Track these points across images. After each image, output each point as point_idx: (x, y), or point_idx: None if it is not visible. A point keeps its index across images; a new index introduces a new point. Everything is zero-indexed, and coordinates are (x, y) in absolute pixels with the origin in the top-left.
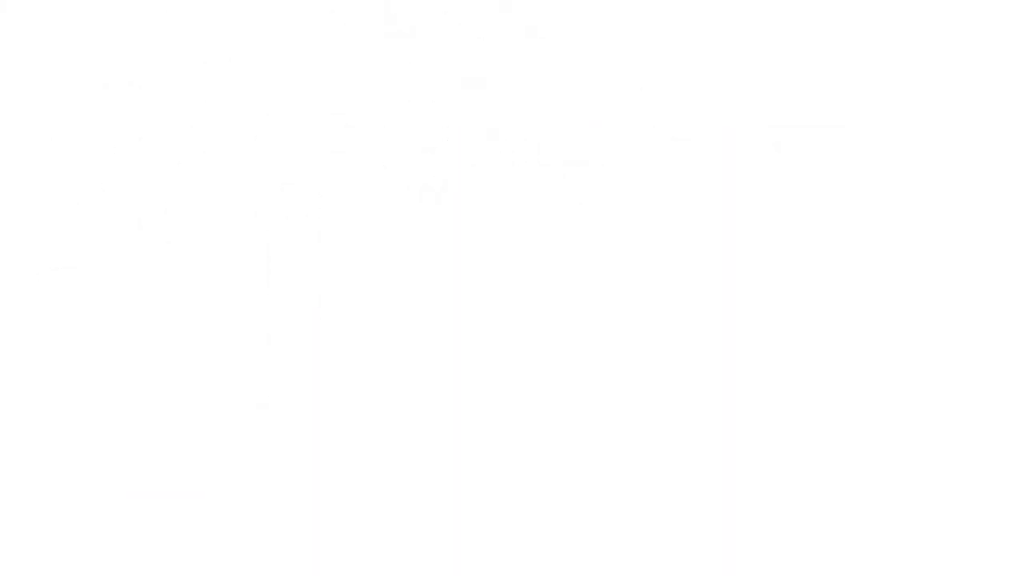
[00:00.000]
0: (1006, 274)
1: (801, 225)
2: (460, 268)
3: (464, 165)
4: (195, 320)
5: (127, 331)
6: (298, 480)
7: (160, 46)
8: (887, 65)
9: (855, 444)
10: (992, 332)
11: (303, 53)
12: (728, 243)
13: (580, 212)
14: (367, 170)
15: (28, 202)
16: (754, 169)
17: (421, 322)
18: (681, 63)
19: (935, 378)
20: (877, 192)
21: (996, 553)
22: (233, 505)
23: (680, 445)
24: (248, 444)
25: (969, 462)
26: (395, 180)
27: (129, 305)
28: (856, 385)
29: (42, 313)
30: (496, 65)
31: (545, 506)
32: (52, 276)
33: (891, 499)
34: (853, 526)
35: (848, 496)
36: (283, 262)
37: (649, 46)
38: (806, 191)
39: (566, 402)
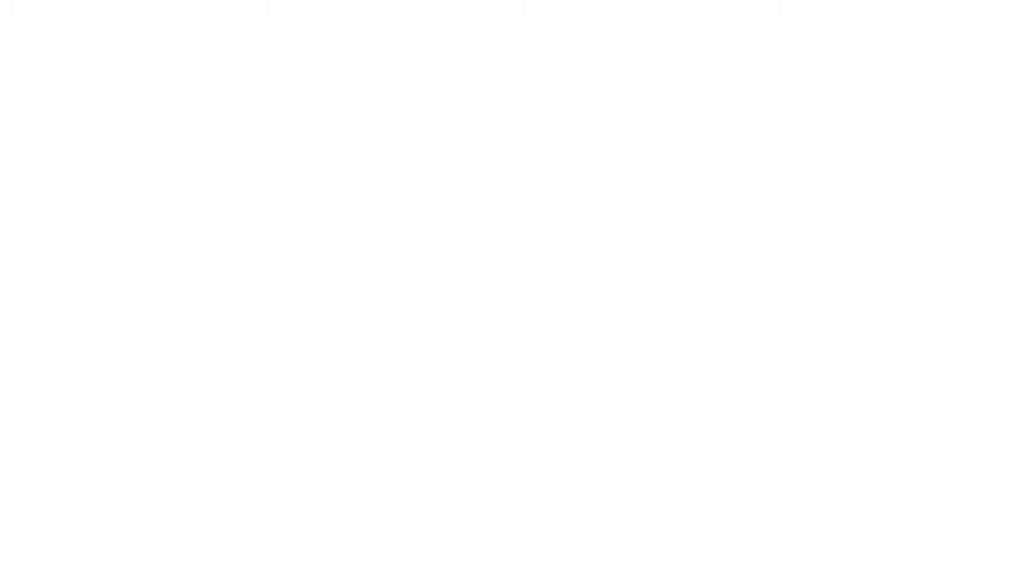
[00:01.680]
0: (1007, 274)
1: (800, 224)
2: (460, 267)
3: (464, 165)
4: (195, 320)
5: (127, 331)
6: (298, 480)
7: (160, 46)
8: (887, 65)
9: (855, 444)
10: (993, 332)
11: (303, 53)
12: (728, 242)
13: (579, 212)
14: (367, 170)
15: (28, 202)
16: (753, 169)
17: (421, 321)
18: (680, 63)
19: (935, 378)
20: (877, 192)
21: (996, 553)
22: (233, 505)
23: (680, 444)
24: (248, 444)
25: (969, 462)
26: (395, 180)
27: (129, 305)
28: (856, 385)
29: (42, 313)
30: (496, 65)
31: (545, 506)
32: (52, 276)
33: (891, 499)
34: (853, 526)
35: (848, 496)
36: (283, 262)
37: (649, 46)
38: (805, 191)
39: (566, 401)
